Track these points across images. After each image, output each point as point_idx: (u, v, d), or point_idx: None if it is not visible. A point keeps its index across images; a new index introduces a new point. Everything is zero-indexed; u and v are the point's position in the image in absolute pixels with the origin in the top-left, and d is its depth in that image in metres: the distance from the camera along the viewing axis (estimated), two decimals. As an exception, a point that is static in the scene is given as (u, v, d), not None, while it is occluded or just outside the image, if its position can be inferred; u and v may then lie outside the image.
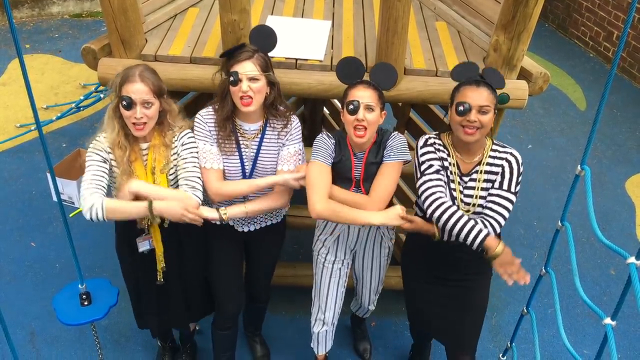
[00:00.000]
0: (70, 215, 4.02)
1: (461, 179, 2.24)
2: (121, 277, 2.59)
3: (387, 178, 2.28)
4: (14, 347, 1.85)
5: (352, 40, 2.82)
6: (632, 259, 1.63)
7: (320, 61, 2.59)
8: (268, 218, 2.55)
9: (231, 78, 2.16)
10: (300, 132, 2.41)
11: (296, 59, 2.59)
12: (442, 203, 2.12)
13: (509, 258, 2.07)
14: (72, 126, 5.13)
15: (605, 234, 1.77)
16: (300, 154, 2.39)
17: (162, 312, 2.61)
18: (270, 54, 2.34)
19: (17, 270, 3.65)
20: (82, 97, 5.26)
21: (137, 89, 2.09)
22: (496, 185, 2.19)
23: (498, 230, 2.17)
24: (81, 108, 5.23)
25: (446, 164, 2.25)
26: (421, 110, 3.77)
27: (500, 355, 2.97)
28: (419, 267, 2.49)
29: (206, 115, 2.31)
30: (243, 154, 2.33)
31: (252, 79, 2.16)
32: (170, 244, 2.40)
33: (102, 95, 5.26)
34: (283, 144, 2.37)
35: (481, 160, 2.23)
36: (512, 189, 2.17)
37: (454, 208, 2.12)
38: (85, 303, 2.64)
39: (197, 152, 2.27)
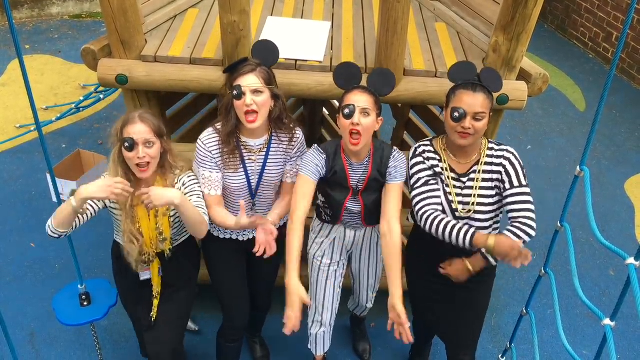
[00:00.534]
0: (70, 215, 4.02)
1: (458, 180, 2.24)
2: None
3: (397, 198, 2.32)
4: (13, 347, 1.85)
5: (351, 41, 2.83)
6: (631, 260, 1.64)
7: (320, 62, 2.60)
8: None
9: (235, 92, 2.14)
10: (305, 145, 2.41)
11: (296, 60, 2.59)
12: (430, 215, 2.18)
13: (505, 247, 2.05)
14: (71, 127, 5.13)
15: (604, 235, 1.77)
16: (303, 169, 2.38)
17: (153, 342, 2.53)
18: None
19: (16, 270, 3.65)
20: (81, 98, 5.26)
21: (138, 130, 2.11)
22: (506, 186, 2.17)
23: (534, 226, 2.13)
24: (81, 109, 5.23)
25: (438, 169, 2.25)
26: (420, 111, 3.78)
27: (500, 355, 2.98)
28: (422, 262, 2.49)
29: (207, 139, 2.27)
30: (248, 169, 2.32)
31: (256, 92, 2.14)
32: (169, 277, 2.43)
33: (101, 96, 5.26)
34: (290, 157, 2.38)
35: (479, 160, 2.23)
36: (523, 182, 2.17)
37: (442, 216, 2.17)
38: (85, 303, 2.65)
39: (199, 186, 2.29)
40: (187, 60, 2.58)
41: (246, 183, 2.34)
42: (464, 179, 2.24)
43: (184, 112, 3.49)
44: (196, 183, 2.29)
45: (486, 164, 2.22)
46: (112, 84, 2.55)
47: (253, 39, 2.56)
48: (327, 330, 2.77)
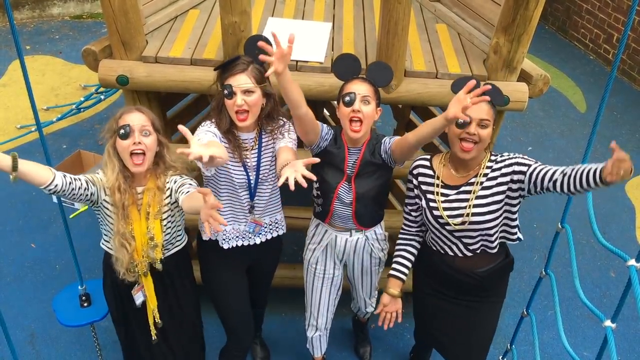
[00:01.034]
0: (71, 216, 4.03)
1: (448, 195, 2.20)
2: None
3: None
4: (13, 347, 1.85)
5: (352, 42, 2.83)
6: (632, 262, 1.64)
7: (321, 63, 2.60)
8: (274, 229, 2.53)
9: (225, 91, 2.13)
10: (294, 131, 2.35)
11: (296, 61, 2.59)
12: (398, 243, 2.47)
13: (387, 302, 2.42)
14: (72, 127, 5.13)
15: (605, 237, 1.77)
16: (294, 142, 2.32)
17: None
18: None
19: (17, 271, 3.65)
20: (82, 99, 5.26)
21: (136, 117, 2.08)
22: (527, 170, 2.05)
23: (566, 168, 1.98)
24: (81, 109, 5.24)
25: (424, 187, 2.26)
26: (421, 112, 3.78)
27: (501, 356, 2.98)
28: (427, 277, 2.46)
29: (212, 126, 2.22)
30: (246, 164, 2.31)
31: (247, 92, 2.12)
32: (162, 291, 2.33)
33: (102, 97, 5.27)
34: (281, 134, 2.31)
35: (477, 173, 2.17)
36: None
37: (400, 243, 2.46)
38: (85, 304, 2.65)
39: (192, 181, 2.19)
40: (187, 61, 2.58)
41: (246, 179, 2.33)
42: (455, 192, 2.19)
43: (184, 113, 3.49)
44: (187, 179, 2.20)
45: (486, 175, 2.15)
46: (113, 84, 2.55)
47: (254, 39, 2.56)
48: (322, 334, 2.78)
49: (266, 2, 3.17)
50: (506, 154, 2.18)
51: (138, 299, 2.29)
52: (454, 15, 3.04)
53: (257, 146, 2.30)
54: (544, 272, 2.43)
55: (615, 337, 1.71)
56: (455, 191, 2.19)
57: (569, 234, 2.19)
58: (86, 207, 4.05)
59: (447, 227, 2.21)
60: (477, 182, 2.16)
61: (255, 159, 2.31)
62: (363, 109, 2.17)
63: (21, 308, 3.39)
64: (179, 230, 2.33)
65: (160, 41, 2.69)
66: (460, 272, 2.28)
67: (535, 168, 2.04)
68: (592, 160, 1.96)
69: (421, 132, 2.05)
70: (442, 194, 2.21)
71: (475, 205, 2.15)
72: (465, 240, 2.22)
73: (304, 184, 1.85)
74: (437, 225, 2.23)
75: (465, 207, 2.16)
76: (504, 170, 2.12)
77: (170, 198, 2.20)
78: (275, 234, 2.54)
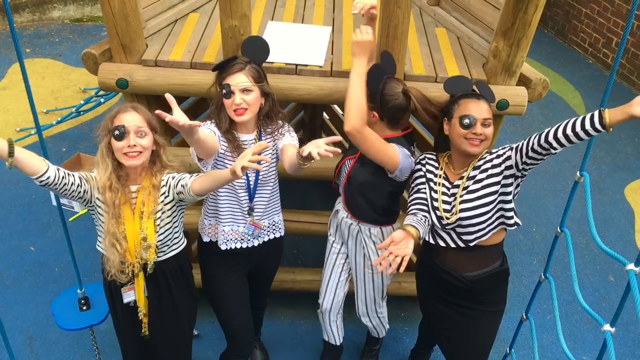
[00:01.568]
0: (70, 219, 4.02)
1: (449, 189, 2.24)
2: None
3: None
4: (12, 351, 1.85)
5: (352, 46, 2.83)
6: (631, 266, 1.64)
7: (321, 67, 2.60)
8: (272, 231, 2.53)
9: (224, 91, 2.14)
10: (294, 131, 2.38)
11: (296, 65, 2.59)
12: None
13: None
14: (72, 130, 5.13)
15: (604, 241, 1.77)
16: (296, 140, 2.32)
17: None
18: (270, 60, 2.33)
19: (16, 274, 3.64)
20: (82, 102, 5.27)
21: (131, 118, 2.05)
22: (517, 145, 2.09)
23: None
24: (81, 112, 5.23)
25: (430, 176, 2.29)
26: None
27: (500, 361, 2.97)
28: (429, 282, 2.47)
29: (212, 126, 2.25)
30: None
31: (245, 91, 2.14)
32: (158, 294, 2.28)
33: (102, 100, 5.27)
34: (281, 134, 2.33)
35: (468, 167, 2.21)
36: None
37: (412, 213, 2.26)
38: (84, 308, 2.65)
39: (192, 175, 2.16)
40: (187, 65, 2.58)
41: (246, 180, 2.32)
42: (451, 186, 2.24)
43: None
44: (186, 174, 2.16)
45: (478, 168, 2.17)
46: (113, 88, 2.55)
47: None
48: (327, 318, 2.79)
49: (266, 5, 3.18)
50: (496, 148, 2.22)
51: (127, 297, 2.24)
52: (453, 19, 3.04)
53: None
54: (543, 276, 2.43)
55: (614, 342, 1.71)
56: (451, 186, 2.24)
57: (568, 238, 2.19)
58: (85, 210, 4.04)
59: (442, 221, 2.24)
60: (466, 177, 2.19)
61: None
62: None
63: (20, 311, 3.38)
64: (176, 232, 2.27)
65: (160, 45, 2.69)
66: (449, 273, 2.29)
67: (520, 142, 2.09)
68: (591, 165, 1.97)
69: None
70: (445, 186, 2.25)
71: (463, 201, 2.18)
72: (459, 230, 2.24)
73: (329, 155, 1.85)
74: (434, 217, 2.26)
75: (456, 198, 2.20)
76: (495, 162, 2.15)
77: (167, 196, 2.15)
78: (272, 236, 2.54)
